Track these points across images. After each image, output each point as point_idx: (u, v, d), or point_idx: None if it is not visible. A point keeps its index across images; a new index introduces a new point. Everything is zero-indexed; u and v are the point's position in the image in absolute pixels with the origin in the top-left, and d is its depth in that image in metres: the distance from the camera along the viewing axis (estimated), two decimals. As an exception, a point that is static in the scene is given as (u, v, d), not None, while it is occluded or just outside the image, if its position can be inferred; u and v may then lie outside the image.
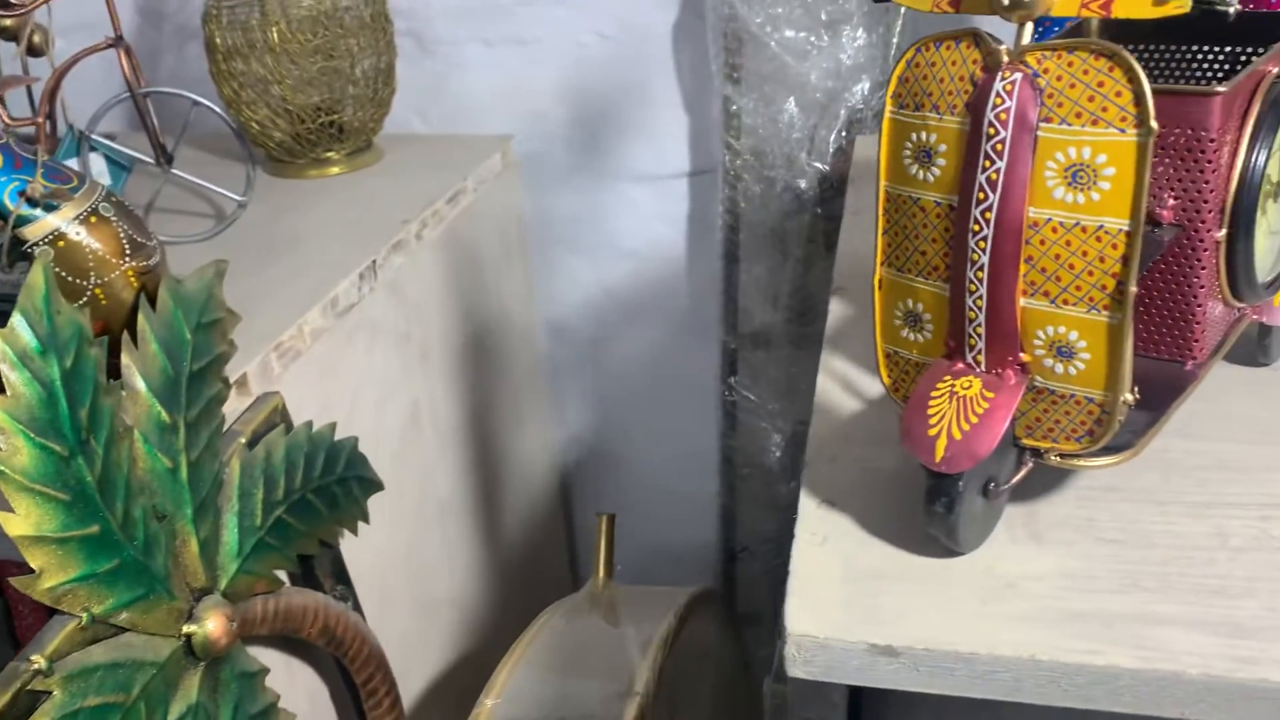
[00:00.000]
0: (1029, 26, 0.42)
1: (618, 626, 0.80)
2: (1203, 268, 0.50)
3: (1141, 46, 0.61)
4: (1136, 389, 0.46)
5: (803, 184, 1.08)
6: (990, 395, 0.45)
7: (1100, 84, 0.40)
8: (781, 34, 1.03)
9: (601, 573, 0.88)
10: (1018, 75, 0.42)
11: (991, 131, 0.42)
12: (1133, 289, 0.42)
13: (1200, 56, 0.59)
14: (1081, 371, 0.44)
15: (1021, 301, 0.44)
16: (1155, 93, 0.48)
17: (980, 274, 0.44)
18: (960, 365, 0.46)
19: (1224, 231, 0.50)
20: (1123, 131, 0.40)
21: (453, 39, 1.21)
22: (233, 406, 0.69)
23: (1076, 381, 0.44)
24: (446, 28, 1.20)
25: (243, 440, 0.66)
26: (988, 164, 0.43)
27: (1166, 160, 0.49)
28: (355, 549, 0.78)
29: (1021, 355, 0.45)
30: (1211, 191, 0.49)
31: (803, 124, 1.06)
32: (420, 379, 0.93)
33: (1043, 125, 0.42)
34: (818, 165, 1.07)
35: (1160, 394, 0.51)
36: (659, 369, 1.30)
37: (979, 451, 0.44)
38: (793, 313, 1.15)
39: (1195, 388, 0.53)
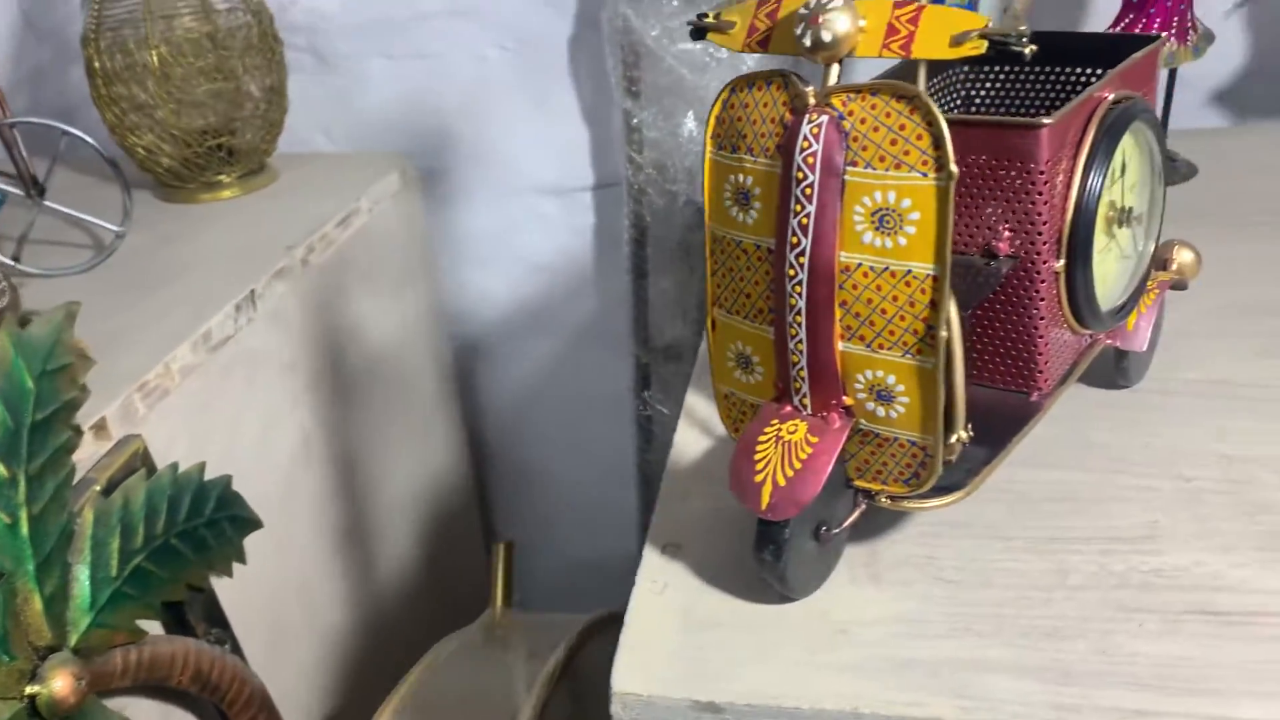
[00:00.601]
0: (835, 68, 0.41)
1: (507, 661, 0.79)
2: (1041, 299, 0.50)
3: (999, 70, 0.60)
4: (970, 426, 0.45)
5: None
6: (814, 440, 0.44)
7: (901, 127, 0.39)
8: (677, 47, 1.02)
9: (499, 603, 0.87)
10: (824, 118, 0.41)
11: (800, 175, 0.41)
12: (943, 333, 0.41)
13: (1059, 78, 0.59)
14: (902, 415, 0.43)
15: (840, 345, 0.43)
16: (982, 125, 0.48)
17: (799, 318, 0.43)
18: (788, 408, 0.45)
19: (1061, 262, 0.49)
20: (924, 175, 0.39)
21: (354, 54, 1.19)
22: (90, 451, 0.67)
23: (898, 425, 0.43)
24: (347, 43, 1.18)
25: (98, 488, 0.64)
26: (798, 208, 0.42)
27: (999, 192, 0.48)
28: (242, 586, 0.76)
29: (845, 398, 0.44)
30: (1045, 223, 0.48)
31: (703, 137, 1.05)
32: (309, 408, 0.91)
33: (849, 169, 0.41)
34: (718, 178, 1.05)
35: (1003, 426, 0.51)
36: (574, 384, 1.28)
37: (803, 499, 0.43)
38: (701, 326, 1.14)
39: (1042, 417, 0.52)
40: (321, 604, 0.94)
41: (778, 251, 0.43)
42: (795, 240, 0.42)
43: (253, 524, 0.76)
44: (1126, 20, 0.83)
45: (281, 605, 0.87)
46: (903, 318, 0.41)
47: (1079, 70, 0.58)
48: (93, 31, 0.96)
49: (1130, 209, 0.53)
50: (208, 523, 0.72)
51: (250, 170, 1.04)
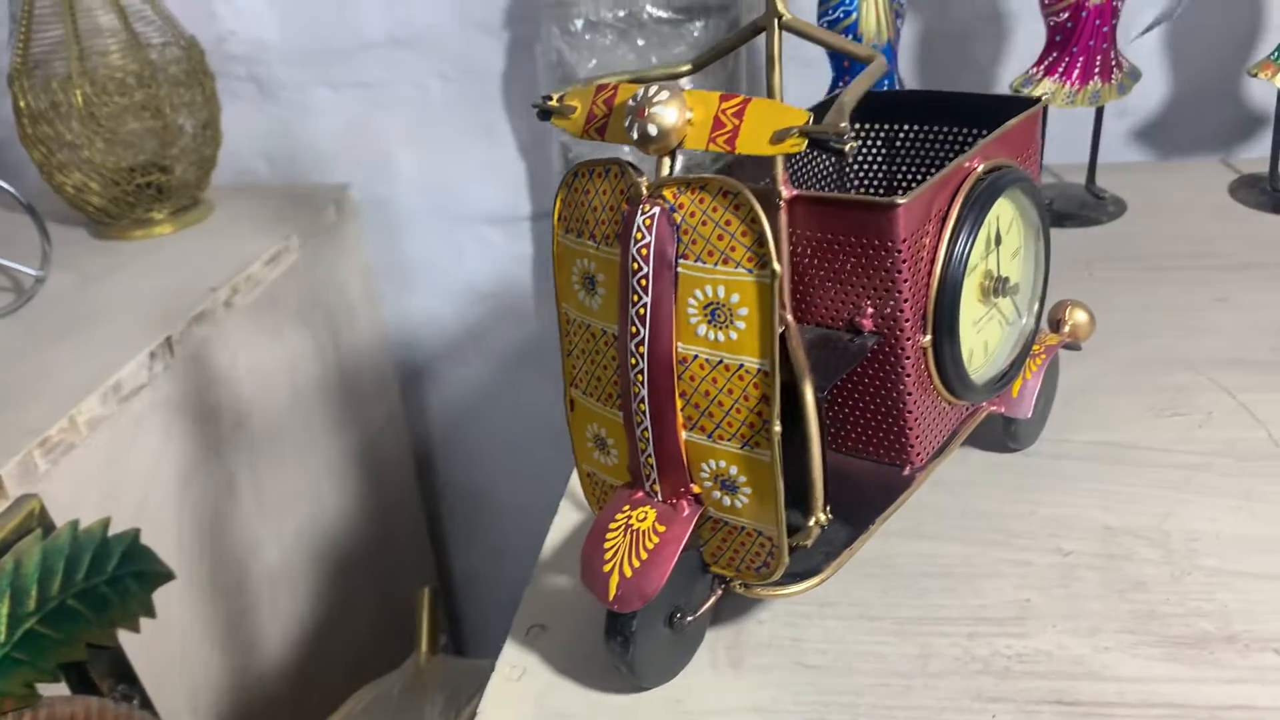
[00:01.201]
0: (667, 160, 0.40)
1: (424, 711, 0.78)
2: (908, 374, 0.49)
3: (902, 126, 0.59)
4: (831, 508, 0.44)
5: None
6: (662, 529, 0.43)
7: (727, 222, 0.39)
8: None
9: (423, 649, 0.86)
10: (656, 210, 0.40)
11: (635, 266, 0.41)
12: (777, 428, 0.40)
13: (952, 136, 0.58)
14: (746, 505, 0.42)
15: (683, 435, 0.42)
16: (839, 203, 0.47)
17: (643, 406, 0.42)
18: (639, 494, 0.45)
19: (927, 337, 0.49)
20: (750, 272, 0.39)
21: (295, 83, 1.18)
22: (-17, 512, 0.66)
23: (744, 515, 0.43)
24: (288, 72, 1.17)
25: (-14, 552, 0.64)
26: (635, 298, 0.41)
27: (860, 268, 0.47)
28: (159, 637, 0.75)
29: (693, 486, 0.43)
30: (906, 300, 0.47)
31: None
32: (235, 451, 0.91)
33: (681, 261, 0.40)
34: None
35: (873, 500, 0.50)
36: (526, 411, 1.28)
37: (648, 591, 0.43)
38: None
39: (914, 491, 0.51)
40: (250, 648, 0.93)
41: (620, 340, 0.42)
42: (635, 330, 0.41)
43: (162, 577, 0.75)
44: (1050, 59, 0.82)
45: (202, 655, 0.86)
46: (738, 410, 0.41)
47: (968, 130, 0.57)
48: (17, 69, 0.95)
49: (1007, 279, 0.52)
50: (110, 580, 0.71)
51: (183, 206, 1.04)
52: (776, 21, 0.45)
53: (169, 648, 0.81)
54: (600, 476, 0.48)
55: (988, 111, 0.56)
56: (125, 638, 0.74)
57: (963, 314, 0.50)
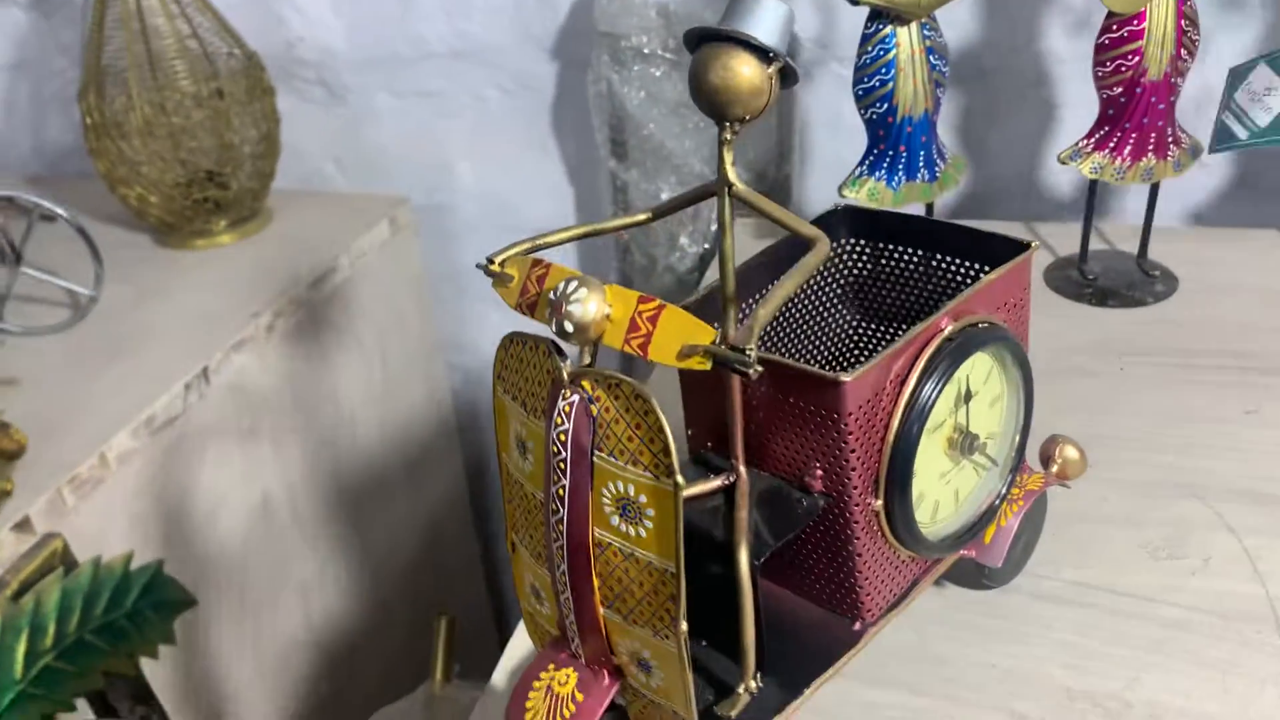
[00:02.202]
0: (588, 350, 0.40)
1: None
2: (857, 536, 0.48)
3: (887, 246, 0.57)
4: (760, 675, 0.44)
5: (682, 266, 1.05)
6: (580, 698, 0.44)
7: (638, 425, 0.38)
8: (655, 112, 1.00)
9: (438, 676, 0.89)
10: (575, 398, 0.40)
11: (555, 449, 0.41)
12: (683, 626, 0.40)
13: (948, 267, 0.56)
14: (661, 685, 0.42)
15: (601, 610, 0.43)
16: (786, 368, 0.46)
17: (564, 578, 0.43)
18: (564, 654, 0.45)
19: (879, 501, 0.48)
20: (656, 479, 0.38)
21: (361, 88, 1.20)
22: (11, 551, 0.70)
23: (659, 694, 0.43)
24: (354, 77, 1.19)
25: (7, 593, 0.68)
26: (556, 479, 0.41)
27: (809, 432, 0.46)
28: (181, 657, 0.80)
29: (613, 658, 0.44)
30: (854, 469, 0.46)
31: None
32: (271, 472, 0.94)
33: (597, 452, 0.40)
34: (694, 250, 1.04)
35: (816, 656, 0.49)
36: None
37: (561, 757, 0.43)
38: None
39: (862, 648, 0.51)
40: (275, 671, 0.97)
41: (544, 511, 0.43)
42: (555, 508, 0.41)
43: (184, 605, 0.79)
44: (1100, 134, 0.78)
45: (226, 674, 0.90)
46: (649, 601, 0.41)
47: (956, 263, 0.55)
48: (87, 85, 0.98)
49: (976, 436, 0.50)
50: (129, 613, 0.75)
51: (242, 217, 1.07)
52: (726, 190, 0.44)
53: (191, 668, 0.85)
54: (538, 620, 0.49)
55: (977, 248, 0.54)
56: (146, 660, 0.78)
57: (926, 470, 0.49)
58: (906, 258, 0.57)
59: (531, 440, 0.43)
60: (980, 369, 0.50)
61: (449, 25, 1.13)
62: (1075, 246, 0.85)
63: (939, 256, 0.56)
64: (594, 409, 0.40)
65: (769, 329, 0.57)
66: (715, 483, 0.47)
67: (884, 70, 0.74)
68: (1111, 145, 0.77)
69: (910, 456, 0.47)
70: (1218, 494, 0.62)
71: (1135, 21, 0.73)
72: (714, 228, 1.03)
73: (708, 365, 0.37)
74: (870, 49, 0.74)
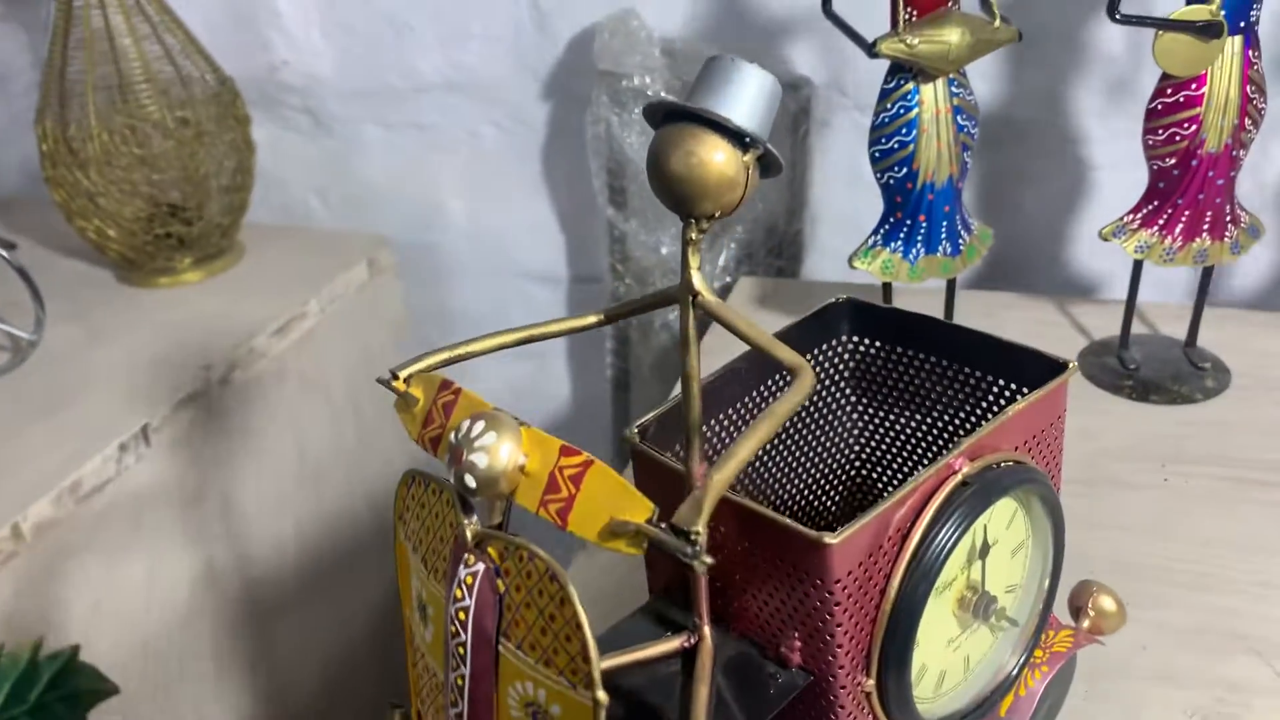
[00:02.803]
0: (499, 504, 0.32)
1: None
2: (849, 716, 0.39)
3: (919, 355, 0.49)
4: None
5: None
6: None
7: (552, 616, 0.30)
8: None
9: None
10: (480, 568, 0.31)
11: (454, 630, 0.32)
12: None
13: (977, 382, 0.47)
14: None
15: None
16: (761, 518, 0.37)
17: (468, 780, 0.34)
18: None
19: (871, 680, 0.39)
20: (572, 686, 0.30)
21: (349, 119, 1.12)
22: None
23: None
24: (342, 107, 1.11)
25: (-115, 691, 0.60)
26: (455, 664, 0.32)
27: (787, 596, 0.38)
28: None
29: None
30: (839, 645, 0.37)
31: (678, 261, 0.94)
32: (218, 538, 0.86)
33: (503, 641, 0.31)
34: (696, 307, 0.95)
35: None
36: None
37: None
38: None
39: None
40: (222, 736, 0.89)
41: (445, 698, 0.34)
42: (454, 699, 0.33)
43: (101, 694, 0.71)
44: (1149, 208, 0.69)
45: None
46: (567, 830, 0.32)
47: (985, 377, 0.46)
48: (43, 109, 0.91)
49: (993, 598, 0.41)
50: (33, 708, 0.67)
51: (208, 254, 0.99)
52: (690, 299, 0.35)
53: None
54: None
55: (1004, 363, 0.45)
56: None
57: (931, 638, 0.40)
58: (919, 363, 0.48)
59: (432, 606, 0.34)
60: (1001, 515, 0.41)
61: (444, 56, 1.05)
62: (1115, 328, 0.75)
63: (958, 367, 0.47)
64: (501, 584, 0.31)
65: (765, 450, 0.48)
66: (671, 644, 0.39)
67: (904, 130, 0.66)
68: (1161, 222, 0.68)
69: (912, 627, 0.38)
70: (1277, 649, 0.53)
71: (1193, 85, 0.64)
72: (717, 284, 0.95)
73: (639, 549, 0.28)
74: (890, 106, 0.66)
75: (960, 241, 0.70)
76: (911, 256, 0.69)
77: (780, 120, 0.91)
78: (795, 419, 0.50)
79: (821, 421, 0.51)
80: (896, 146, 0.66)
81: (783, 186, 0.94)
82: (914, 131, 0.66)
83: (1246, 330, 0.78)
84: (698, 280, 0.35)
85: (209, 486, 0.84)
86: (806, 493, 0.52)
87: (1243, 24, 0.63)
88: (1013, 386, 0.45)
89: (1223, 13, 0.62)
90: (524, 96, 1.04)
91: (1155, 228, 0.69)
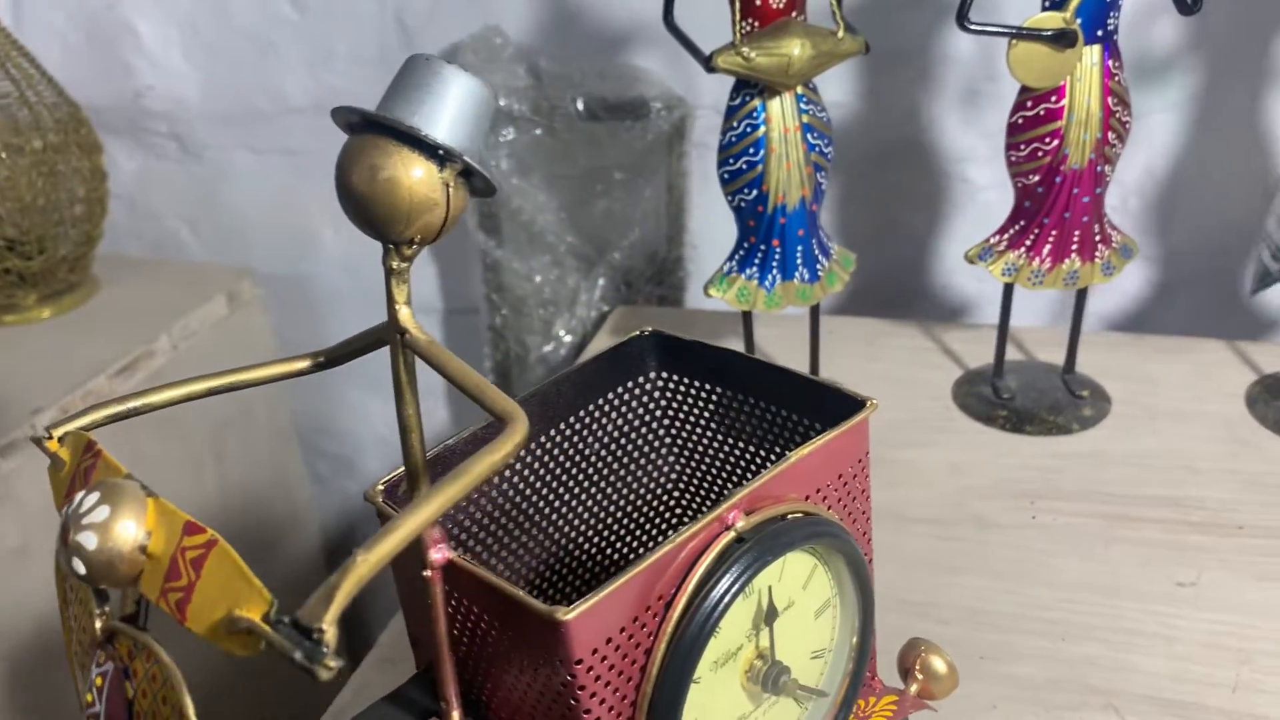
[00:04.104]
0: (130, 592, 0.26)
1: None
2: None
3: (727, 392, 0.44)
4: None
5: (556, 357, 0.92)
6: None
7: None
8: (528, 183, 0.87)
9: None
10: (109, 668, 0.26)
11: (88, 738, 0.27)
12: None
13: (784, 421, 0.43)
14: None
15: None
16: (497, 591, 0.32)
17: None
18: None
19: (637, 770, 0.34)
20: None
21: (217, 144, 1.07)
22: None
23: None
24: (210, 132, 1.06)
25: None
26: (96, 779, 0.27)
27: (533, 678, 0.33)
28: None
29: None
30: (591, 732, 0.32)
31: (557, 287, 0.90)
32: (46, 597, 0.79)
33: (136, 754, 0.26)
34: (571, 339, 0.91)
35: None
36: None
37: None
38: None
39: None
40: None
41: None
42: (100, 819, 0.28)
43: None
44: (1015, 229, 0.66)
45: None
46: None
47: (800, 419, 0.42)
48: None
49: (785, 668, 0.36)
50: None
51: (56, 291, 0.93)
52: (399, 338, 0.30)
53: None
54: None
55: (807, 400, 0.41)
56: None
57: (716, 715, 0.35)
58: (728, 400, 0.44)
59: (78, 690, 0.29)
60: (796, 574, 0.37)
61: (311, 77, 1.00)
62: (989, 355, 0.72)
63: (764, 405, 0.43)
64: (129, 689, 0.26)
65: (561, 476, 0.44)
66: (412, 733, 0.34)
67: (751, 150, 0.62)
68: (1028, 243, 0.65)
69: (675, 709, 0.33)
70: (1139, 706, 0.49)
71: (1053, 98, 0.61)
72: (593, 311, 0.90)
73: (253, 650, 0.23)
74: (736, 124, 0.62)
75: (818, 267, 0.66)
76: (767, 284, 0.65)
77: (656, 141, 0.87)
78: (602, 463, 0.46)
79: (633, 465, 0.47)
80: (745, 167, 0.62)
81: (661, 211, 0.90)
82: (762, 151, 0.61)
83: (1130, 354, 0.74)
84: (404, 316, 0.30)
85: (32, 545, 0.78)
86: (620, 544, 0.47)
87: (1100, 33, 0.59)
88: (817, 426, 0.41)
89: (1078, 21, 0.58)
90: (396, 120, 0.99)
91: (1022, 249, 0.65)
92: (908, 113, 0.84)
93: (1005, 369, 0.71)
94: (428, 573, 0.33)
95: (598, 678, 0.32)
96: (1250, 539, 0.58)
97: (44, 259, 0.90)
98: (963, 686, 0.48)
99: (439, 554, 0.33)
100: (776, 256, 0.64)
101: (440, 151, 0.28)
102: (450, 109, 0.28)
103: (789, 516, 0.36)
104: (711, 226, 0.93)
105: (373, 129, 0.28)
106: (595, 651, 0.31)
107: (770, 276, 0.65)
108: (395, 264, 0.30)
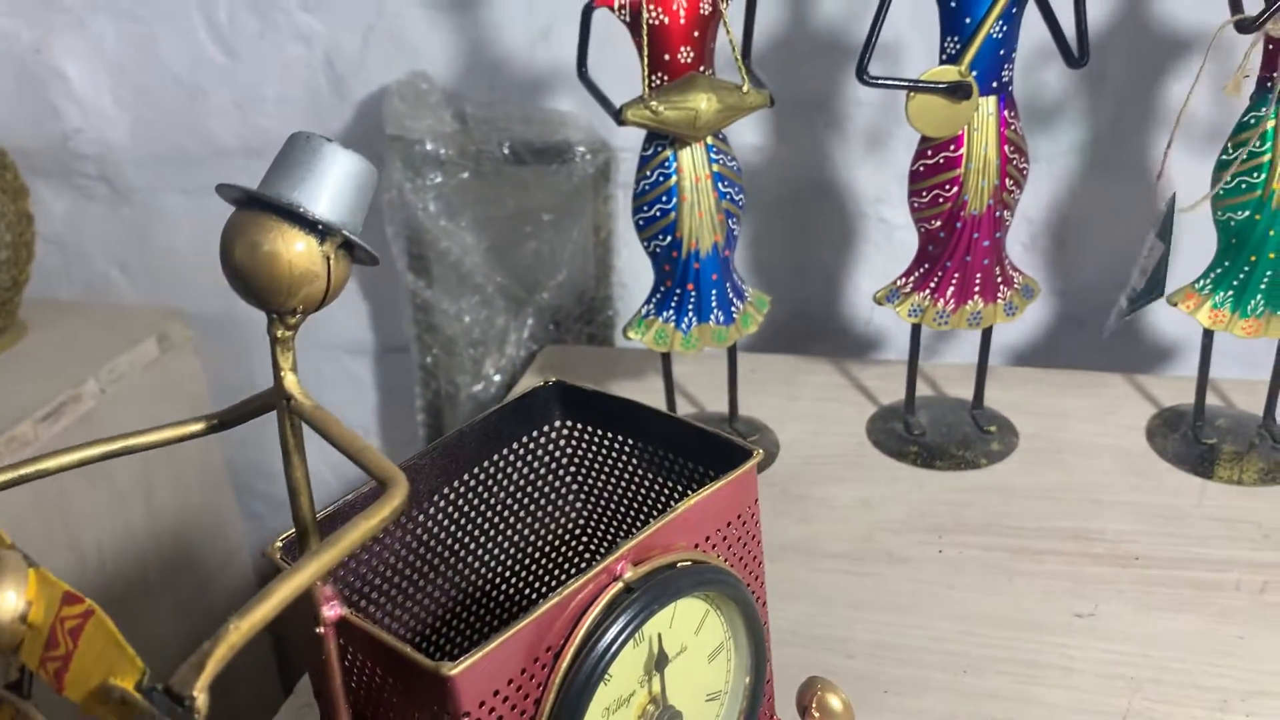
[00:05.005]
0: (14, 661, 0.27)
1: None
2: None
3: (628, 440, 0.45)
4: None
5: (486, 395, 0.93)
6: None
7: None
8: (455, 225, 0.89)
9: None
10: (-7, 733, 0.27)
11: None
12: None
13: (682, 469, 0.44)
14: None
15: None
16: (386, 648, 0.33)
17: None
18: None
19: (528, 819, 0.35)
20: None
21: (148, 187, 1.07)
22: None
23: None
24: (140, 175, 1.06)
25: None
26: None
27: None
28: None
29: None
30: (481, 785, 0.33)
31: (486, 327, 0.91)
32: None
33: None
34: (500, 379, 0.92)
35: None
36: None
37: None
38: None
39: None
40: None
41: None
42: None
43: None
44: (919, 272, 0.68)
45: None
46: None
47: (695, 467, 0.43)
48: None
49: (676, 713, 0.38)
50: None
51: (-19, 334, 0.92)
52: (285, 404, 0.32)
53: None
54: None
55: (700, 450, 0.42)
56: None
57: (608, 759, 0.37)
58: (630, 448, 0.45)
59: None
60: (687, 620, 0.38)
61: (241, 120, 1.01)
62: (902, 391, 0.74)
63: (662, 452, 0.44)
64: (13, 756, 0.27)
65: (466, 526, 0.45)
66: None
67: (664, 199, 0.63)
68: (933, 285, 0.67)
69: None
70: (1033, 734, 0.50)
71: (952, 147, 0.63)
72: (522, 350, 0.91)
73: (130, 718, 0.24)
74: (649, 173, 0.64)
75: (733, 309, 0.67)
76: (684, 326, 0.67)
77: (582, 183, 0.88)
78: (508, 510, 0.47)
79: (539, 511, 0.48)
80: (659, 214, 0.64)
81: (589, 251, 0.92)
82: (674, 199, 0.63)
83: (1037, 389, 0.76)
84: (290, 383, 0.31)
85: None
86: (527, 589, 0.48)
87: (995, 84, 0.62)
88: (711, 473, 0.42)
89: (973, 74, 0.61)
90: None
91: (927, 290, 0.67)
92: (823, 155, 0.87)
93: (916, 404, 0.73)
94: (320, 629, 0.33)
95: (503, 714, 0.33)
96: (1144, 569, 0.60)
97: (-32, 304, 0.89)
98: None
99: (331, 611, 0.34)
100: (692, 300, 0.66)
101: (320, 226, 0.29)
102: (331, 185, 0.30)
103: (678, 565, 0.37)
104: (639, 266, 0.95)
105: (255, 205, 0.29)
106: (483, 704, 0.33)
107: (686, 319, 0.66)
108: (280, 333, 0.31)
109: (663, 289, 0.67)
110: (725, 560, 0.39)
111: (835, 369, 0.81)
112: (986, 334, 0.71)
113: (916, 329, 0.70)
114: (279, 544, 0.38)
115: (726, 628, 0.40)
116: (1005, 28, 0.60)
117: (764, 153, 0.87)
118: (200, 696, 0.23)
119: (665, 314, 0.67)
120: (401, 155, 0.88)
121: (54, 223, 1.09)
